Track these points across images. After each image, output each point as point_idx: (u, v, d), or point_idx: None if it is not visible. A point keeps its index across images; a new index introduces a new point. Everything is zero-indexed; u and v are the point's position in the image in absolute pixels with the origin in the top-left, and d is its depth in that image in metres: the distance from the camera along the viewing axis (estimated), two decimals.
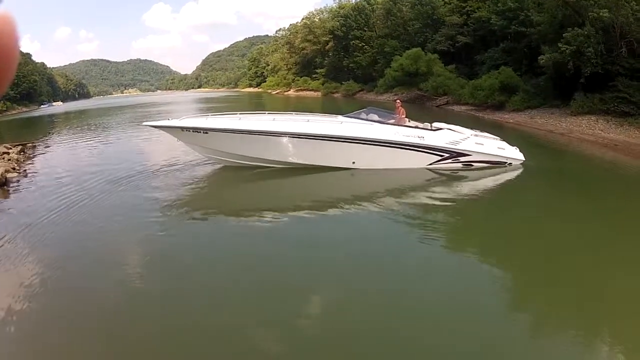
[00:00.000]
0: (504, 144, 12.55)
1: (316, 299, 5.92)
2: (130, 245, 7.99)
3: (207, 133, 11.45)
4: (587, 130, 18.72)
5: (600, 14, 18.53)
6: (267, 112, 13.38)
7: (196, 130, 11.48)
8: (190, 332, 4.99)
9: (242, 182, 11.97)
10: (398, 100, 14.86)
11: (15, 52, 0.46)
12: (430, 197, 10.30)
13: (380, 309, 5.46)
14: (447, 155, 12.09)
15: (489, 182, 11.67)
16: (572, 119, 20.16)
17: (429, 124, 12.76)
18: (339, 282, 6.24)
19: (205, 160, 12.96)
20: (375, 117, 12.51)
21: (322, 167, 11.90)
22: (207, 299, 5.88)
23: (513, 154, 12.42)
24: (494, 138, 12.73)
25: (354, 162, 11.93)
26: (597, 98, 19.34)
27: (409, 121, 12.74)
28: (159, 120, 12.97)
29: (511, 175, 11.99)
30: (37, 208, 9.76)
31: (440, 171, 12.02)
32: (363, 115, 12.60)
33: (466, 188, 11.08)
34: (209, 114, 12.57)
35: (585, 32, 19.29)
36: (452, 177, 11.72)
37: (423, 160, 12.08)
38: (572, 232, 8.12)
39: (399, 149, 11.85)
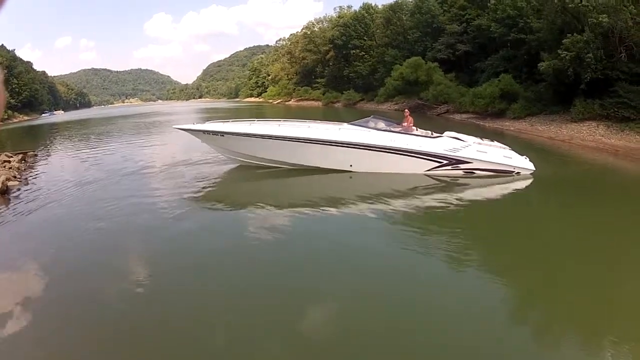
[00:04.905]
0: (512, 153, 12.36)
1: (308, 301, 5.82)
2: (133, 243, 8.21)
3: (223, 136, 12.84)
4: (588, 137, 18.63)
5: (600, 19, 18.52)
6: (275, 119, 14.41)
7: (215, 133, 12.95)
8: (192, 331, 5.02)
9: (248, 180, 13.04)
10: (407, 110, 15.30)
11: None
12: (425, 203, 10.22)
13: (376, 314, 5.35)
14: (446, 162, 12.05)
15: (486, 190, 11.50)
16: (572, 126, 20.07)
17: (430, 132, 12.84)
18: (333, 285, 6.17)
19: (213, 161, 14.50)
20: (382, 126, 12.76)
21: (323, 169, 12.50)
22: (210, 298, 5.95)
23: (521, 163, 12.17)
24: (500, 147, 12.59)
25: (351, 165, 12.39)
26: (597, 104, 19.26)
27: (417, 130, 12.92)
28: (182, 125, 14.32)
29: (516, 184, 11.76)
30: (37, 215, 9.89)
31: (440, 177, 11.92)
32: (371, 124, 12.85)
33: (462, 195, 10.85)
34: (229, 119, 13.77)
35: (585, 38, 19.25)
36: (451, 184, 11.57)
37: (420, 166, 12.10)
38: (575, 240, 7.98)
39: (395, 154, 12.03)
